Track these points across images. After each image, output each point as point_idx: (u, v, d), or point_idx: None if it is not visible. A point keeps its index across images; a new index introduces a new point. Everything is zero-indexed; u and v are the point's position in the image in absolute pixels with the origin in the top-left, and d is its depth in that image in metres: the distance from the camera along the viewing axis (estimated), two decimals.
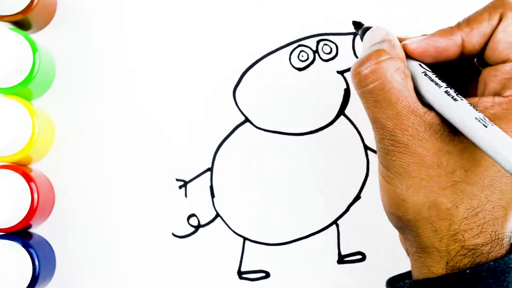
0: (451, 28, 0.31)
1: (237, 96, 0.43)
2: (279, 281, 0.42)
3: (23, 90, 0.40)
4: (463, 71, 0.32)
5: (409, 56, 0.31)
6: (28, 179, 0.39)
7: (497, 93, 0.29)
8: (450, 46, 0.31)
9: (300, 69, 0.43)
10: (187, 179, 0.42)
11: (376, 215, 0.42)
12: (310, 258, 0.42)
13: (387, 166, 0.30)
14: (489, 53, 0.30)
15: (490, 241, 0.29)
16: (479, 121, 0.28)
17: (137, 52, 0.43)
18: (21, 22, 0.41)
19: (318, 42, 0.43)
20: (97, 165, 0.42)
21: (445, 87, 0.29)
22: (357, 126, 0.42)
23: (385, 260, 0.41)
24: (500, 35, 0.29)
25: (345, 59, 0.43)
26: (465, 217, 0.29)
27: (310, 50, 0.43)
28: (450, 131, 0.29)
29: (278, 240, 0.42)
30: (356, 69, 0.30)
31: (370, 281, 0.41)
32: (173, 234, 0.42)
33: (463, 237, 0.29)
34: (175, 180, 0.42)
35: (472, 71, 0.32)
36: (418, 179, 0.29)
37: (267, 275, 0.42)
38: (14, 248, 0.38)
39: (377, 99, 0.30)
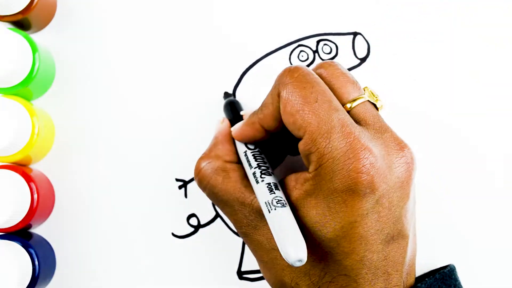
0: (252, 115, 0.34)
1: (237, 96, 0.43)
2: None
3: (23, 90, 0.40)
4: None
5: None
6: (28, 179, 0.39)
7: (308, 167, 0.30)
8: (255, 133, 0.34)
9: None
10: (187, 179, 0.42)
11: None
12: None
13: (250, 251, 0.33)
14: (291, 131, 0.31)
15: None
16: (267, 205, 0.29)
17: (137, 52, 0.43)
18: (21, 22, 0.41)
19: (318, 42, 0.43)
20: (97, 165, 0.42)
21: (255, 167, 0.32)
22: None
23: None
24: (283, 117, 0.30)
25: (345, 59, 0.43)
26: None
27: (310, 50, 0.43)
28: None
29: None
30: (194, 175, 0.35)
31: None
32: (173, 234, 0.42)
33: None
34: (175, 180, 0.42)
35: None
36: (264, 262, 0.32)
37: None
38: (14, 248, 0.38)
39: (215, 201, 0.34)
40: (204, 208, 0.42)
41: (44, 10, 0.42)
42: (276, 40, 0.43)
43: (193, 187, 0.42)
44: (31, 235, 0.41)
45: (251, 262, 0.42)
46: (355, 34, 0.43)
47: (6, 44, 0.37)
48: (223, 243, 0.42)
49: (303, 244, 0.27)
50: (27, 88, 0.40)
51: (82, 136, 0.43)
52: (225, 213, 0.33)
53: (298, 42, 0.43)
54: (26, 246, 0.38)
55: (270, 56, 0.43)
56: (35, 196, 0.39)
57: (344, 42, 0.43)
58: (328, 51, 0.43)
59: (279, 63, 0.43)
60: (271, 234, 0.30)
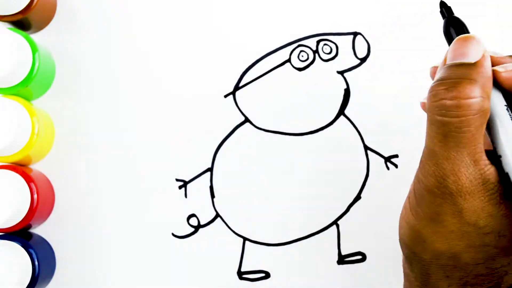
0: None
1: (237, 96, 0.43)
2: (279, 281, 0.42)
3: (23, 90, 0.40)
4: None
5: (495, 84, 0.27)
6: (28, 179, 0.39)
7: None
8: None
9: (300, 69, 0.43)
10: (187, 179, 0.42)
11: (376, 215, 0.42)
12: (310, 258, 0.42)
13: (421, 204, 0.28)
14: None
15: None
16: None
17: (137, 52, 0.43)
18: (21, 22, 0.41)
19: (318, 42, 0.43)
20: (97, 165, 0.42)
21: None
22: (357, 126, 0.42)
23: (385, 260, 0.41)
24: None
25: (345, 59, 0.43)
26: (480, 274, 0.27)
27: (310, 50, 0.43)
28: (502, 194, 0.27)
29: (278, 240, 0.42)
30: (437, 92, 0.27)
31: (370, 281, 0.41)
32: (173, 234, 0.42)
33: None
34: (175, 180, 0.42)
35: None
36: (449, 230, 0.27)
37: (267, 275, 0.42)
38: (14, 248, 0.38)
39: (447, 134, 0.26)
40: (204, 208, 0.42)
41: (44, 10, 0.42)
42: (276, 40, 0.43)
43: (193, 187, 0.42)
44: (31, 235, 0.41)
45: (251, 262, 0.42)
46: (355, 34, 0.43)
47: (6, 44, 0.37)
48: (223, 243, 0.42)
49: None
50: (27, 88, 0.40)
51: (82, 136, 0.43)
52: (443, 154, 0.27)
53: (298, 42, 0.43)
54: (26, 246, 0.38)
55: (270, 56, 0.43)
56: (35, 196, 0.39)
57: (344, 42, 0.43)
58: (328, 51, 0.43)
59: (279, 63, 0.43)
60: (481, 209, 0.26)
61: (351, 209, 0.42)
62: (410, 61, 0.43)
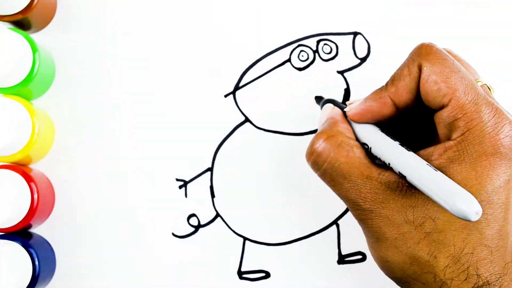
0: (379, 90, 0.32)
1: (237, 96, 0.43)
2: (279, 281, 0.42)
3: (23, 90, 0.40)
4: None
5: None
6: (28, 179, 0.39)
7: (447, 137, 0.30)
8: (382, 108, 0.32)
9: (300, 69, 0.43)
10: (187, 179, 0.42)
11: None
12: (310, 258, 0.42)
13: (365, 233, 0.32)
14: (426, 103, 0.31)
15: (478, 285, 0.28)
16: (413, 171, 0.28)
17: (137, 51, 0.43)
18: (21, 22, 0.41)
19: (318, 42, 0.43)
20: (97, 165, 0.42)
21: (394, 140, 0.31)
22: None
23: None
24: (425, 86, 0.30)
25: (345, 59, 0.43)
26: (446, 265, 0.29)
27: (310, 50, 0.43)
28: (409, 185, 0.30)
29: (278, 240, 0.42)
30: (307, 156, 0.33)
31: (370, 281, 0.41)
32: (173, 234, 0.42)
33: (451, 285, 0.29)
34: (175, 180, 0.42)
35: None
36: (392, 239, 0.30)
37: (267, 275, 0.42)
38: (14, 248, 0.38)
39: (332, 177, 0.31)
40: (204, 208, 0.42)
41: (44, 10, 0.42)
42: (276, 40, 0.43)
43: (193, 187, 0.42)
44: (31, 235, 0.41)
45: (251, 262, 0.42)
46: (355, 34, 0.43)
47: (6, 44, 0.37)
48: (223, 243, 0.42)
49: (472, 197, 0.26)
50: (27, 88, 0.40)
51: (82, 136, 0.43)
52: (342, 191, 0.31)
53: (298, 42, 0.43)
54: (26, 246, 0.38)
55: (270, 56, 0.43)
56: (35, 196, 0.39)
57: (344, 42, 0.43)
58: (328, 51, 0.43)
59: (279, 63, 0.43)
60: (402, 206, 0.29)
61: None
62: None
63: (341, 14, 0.43)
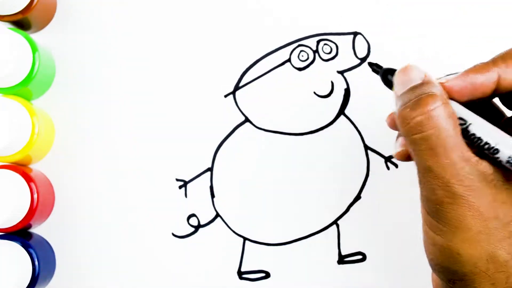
0: (486, 64, 0.30)
1: (237, 96, 0.43)
2: (279, 281, 0.42)
3: (23, 90, 0.40)
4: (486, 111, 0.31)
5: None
6: (28, 179, 0.39)
7: None
8: (486, 83, 0.29)
9: (300, 69, 0.43)
10: (187, 179, 0.42)
11: (376, 215, 0.42)
12: (310, 258, 0.42)
13: (438, 218, 0.29)
14: None
15: None
16: None
17: (137, 51, 0.43)
18: (21, 22, 0.41)
19: (318, 42, 0.43)
20: (97, 165, 0.42)
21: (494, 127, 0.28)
22: (357, 126, 0.42)
23: (385, 260, 0.41)
24: None
25: (345, 59, 0.43)
26: None
27: (310, 50, 0.43)
28: (504, 180, 0.28)
29: (278, 240, 0.42)
30: (405, 115, 0.29)
31: (370, 281, 0.41)
32: (173, 234, 0.42)
33: None
34: (175, 180, 0.42)
35: (491, 111, 0.32)
36: (476, 232, 0.28)
37: (267, 275, 0.42)
38: (14, 248, 0.38)
39: (432, 147, 0.28)
40: (204, 208, 0.42)
41: (44, 10, 0.42)
42: (276, 40, 0.43)
43: (193, 187, 0.42)
44: (31, 235, 0.41)
45: (251, 262, 0.42)
46: (355, 34, 0.43)
47: (6, 44, 0.37)
48: (223, 243, 0.42)
49: None
50: (27, 88, 0.40)
51: (82, 136, 0.43)
52: (437, 166, 0.28)
53: (298, 42, 0.43)
54: (26, 246, 0.38)
55: (270, 56, 0.43)
56: (35, 196, 0.39)
57: (344, 42, 0.43)
58: (328, 51, 0.43)
59: (279, 63, 0.43)
60: (494, 200, 0.27)
61: (351, 209, 0.42)
62: (410, 61, 0.42)
63: (341, 14, 0.43)
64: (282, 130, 0.42)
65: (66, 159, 0.42)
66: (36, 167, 0.42)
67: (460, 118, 0.29)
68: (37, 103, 0.43)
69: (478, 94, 0.29)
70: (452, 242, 0.28)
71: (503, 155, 0.27)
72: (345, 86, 0.42)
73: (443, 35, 0.43)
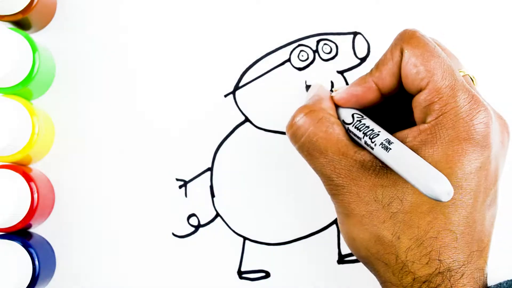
0: (365, 76, 0.33)
1: (237, 96, 0.43)
2: (279, 281, 0.42)
3: (23, 90, 0.40)
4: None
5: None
6: (28, 179, 0.39)
7: (423, 121, 0.30)
8: (366, 93, 0.33)
9: (300, 69, 0.43)
10: (187, 179, 0.42)
11: None
12: (310, 258, 0.42)
13: (336, 209, 0.33)
14: (406, 87, 0.32)
15: (439, 271, 0.28)
16: (382, 146, 0.30)
17: (137, 52, 0.43)
18: (21, 22, 0.41)
19: (318, 41, 0.43)
20: (97, 165, 0.42)
21: (365, 129, 0.32)
22: None
23: None
24: (405, 69, 0.31)
25: (345, 59, 0.43)
26: (409, 247, 0.29)
27: (310, 49, 0.43)
28: (382, 166, 0.30)
29: (278, 240, 0.42)
30: (287, 128, 0.33)
31: (370, 281, 0.41)
32: (173, 234, 0.42)
33: (411, 268, 0.29)
34: (175, 180, 0.42)
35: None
36: (360, 216, 0.30)
37: (267, 275, 0.42)
38: (14, 248, 0.38)
39: (309, 151, 0.32)
40: (204, 208, 0.42)
41: (44, 10, 0.42)
42: (276, 40, 0.43)
43: (193, 187, 0.42)
44: (31, 235, 0.41)
45: (251, 262, 0.42)
46: (355, 34, 0.43)
47: (6, 44, 0.37)
48: (223, 243, 0.42)
49: (444, 177, 0.27)
50: (27, 88, 0.40)
51: (82, 136, 0.43)
52: (317, 165, 0.32)
53: (298, 42, 0.43)
54: (26, 246, 0.38)
55: (270, 56, 0.43)
56: (35, 196, 0.39)
57: (344, 42, 0.43)
58: (328, 50, 0.43)
59: (279, 63, 0.43)
60: (373, 184, 0.30)
61: None
62: None
63: (341, 14, 0.43)
64: (282, 130, 0.42)
65: (66, 159, 0.42)
66: (36, 167, 0.42)
67: (344, 123, 0.33)
68: (37, 103, 0.43)
69: (365, 102, 0.33)
70: (347, 228, 0.31)
71: (380, 138, 0.30)
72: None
73: (443, 34, 0.43)
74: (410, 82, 0.31)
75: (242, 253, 0.42)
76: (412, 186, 0.29)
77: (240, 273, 0.42)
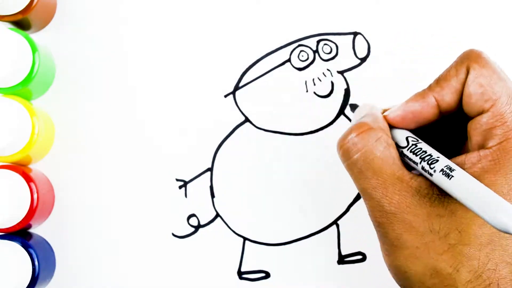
0: (423, 91, 0.31)
1: (237, 96, 0.43)
2: (279, 281, 0.42)
3: (23, 90, 0.40)
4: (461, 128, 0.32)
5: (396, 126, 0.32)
6: (28, 179, 0.39)
7: (481, 146, 0.29)
8: (425, 109, 0.31)
9: (300, 69, 0.43)
10: (187, 179, 0.42)
11: None
12: (310, 258, 0.42)
13: (382, 239, 0.30)
14: (466, 107, 0.30)
15: None
16: (443, 172, 0.28)
17: (137, 52, 0.43)
18: (21, 22, 0.41)
19: (318, 42, 0.43)
20: (97, 165, 0.42)
21: (422, 154, 0.30)
22: None
23: None
24: (470, 88, 0.30)
25: (345, 59, 0.43)
26: (468, 280, 0.28)
27: (310, 50, 0.43)
28: (439, 194, 0.29)
29: (278, 240, 0.42)
30: (339, 143, 0.31)
31: (370, 281, 0.41)
32: (173, 234, 0.42)
33: None
34: (175, 180, 0.42)
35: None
36: (414, 248, 0.29)
37: (267, 275, 0.42)
38: (14, 248, 0.38)
39: (361, 170, 0.30)
40: (204, 208, 0.42)
41: (44, 10, 0.42)
42: (276, 40, 0.43)
43: (193, 187, 0.42)
44: (31, 235, 0.41)
45: (251, 262, 0.42)
46: (355, 34, 0.43)
47: (6, 44, 0.37)
48: (223, 243, 0.42)
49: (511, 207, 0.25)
50: (27, 88, 0.40)
51: (82, 136, 0.43)
52: (368, 187, 0.30)
53: (298, 42, 0.43)
54: (26, 246, 0.38)
55: (270, 56, 0.43)
56: (35, 196, 0.39)
57: (344, 42, 0.43)
58: (328, 51, 0.43)
59: (279, 63, 0.43)
60: (428, 214, 0.28)
61: (351, 209, 0.42)
62: (410, 61, 0.43)
63: (341, 14, 0.43)
64: (282, 130, 0.42)
65: (66, 159, 0.42)
66: (36, 167, 0.42)
67: (398, 146, 0.31)
68: (37, 103, 0.43)
69: (422, 120, 0.31)
70: (398, 261, 0.29)
71: (440, 164, 0.28)
72: (345, 86, 0.42)
73: (444, 34, 0.43)
74: (473, 102, 0.29)
75: (242, 253, 0.42)
76: (471, 217, 0.28)
77: (240, 274, 0.42)
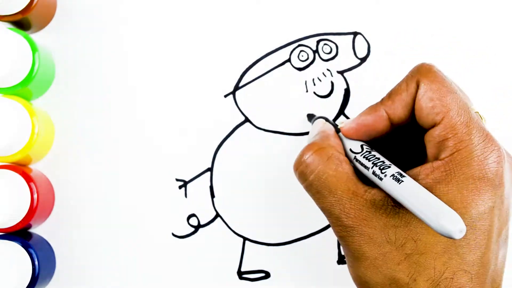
0: (376, 104, 0.32)
1: (237, 96, 0.43)
2: (279, 281, 0.42)
3: (23, 90, 0.40)
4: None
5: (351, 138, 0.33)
6: (28, 179, 0.39)
7: (436, 157, 0.30)
8: (377, 122, 0.32)
9: (300, 69, 0.43)
10: (187, 179, 0.42)
11: None
12: (310, 258, 0.42)
13: (345, 251, 0.31)
14: (419, 120, 0.31)
15: None
16: (393, 177, 0.28)
17: (137, 52, 0.43)
18: (21, 22, 0.41)
19: (318, 42, 0.43)
20: (97, 165, 0.42)
21: (376, 159, 0.31)
22: None
23: None
24: (421, 102, 0.30)
25: (345, 59, 0.43)
26: None
27: (310, 50, 0.43)
28: (394, 205, 0.29)
29: (278, 240, 0.42)
30: (294, 166, 0.32)
31: None
32: (173, 234, 0.42)
33: None
34: (175, 180, 0.42)
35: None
36: (372, 259, 0.29)
37: (267, 275, 0.42)
38: (14, 248, 0.38)
39: (318, 189, 0.31)
40: (204, 208, 0.42)
41: (44, 10, 0.42)
42: (276, 40, 0.43)
43: (193, 187, 0.42)
44: (31, 235, 0.41)
45: (251, 262, 0.42)
46: (355, 34, 0.43)
47: (6, 44, 0.37)
48: (223, 243, 0.42)
49: (456, 214, 0.26)
50: (27, 88, 0.40)
51: (82, 136, 0.43)
52: (326, 205, 0.31)
53: (298, 42, 0.43)
54: (26, 246, 0.38)
55: (270, 56, 0.43)
56: (35, 196, 0.39)
57: (344, 42, 0.43)
58: (328, 51, 0.43)
59: (279, 63, 0.43)
60: (384, 225, 0.29)
61: None
62: (410, 61, 0.43)
63: (341, 14, 0.43)
64: (282, 130, 0.42)
65: (66, 159, 0.42)
66: (36, 167, 0.42)
67: (352, 160, 0.32)
68: (37, 103, 0.43)
69: (375, 132, 0.32)
70: (359, 271, 0.30)
71: (391, 170, 0.29)
72: (345, 86, 0.42)
73: (444, 34, 0.43)
74: (425, 116, 0.30)
75: (242, 253, 0.42)
76: (426, 226, 0.28)
77: (240, 274, 0.42)
